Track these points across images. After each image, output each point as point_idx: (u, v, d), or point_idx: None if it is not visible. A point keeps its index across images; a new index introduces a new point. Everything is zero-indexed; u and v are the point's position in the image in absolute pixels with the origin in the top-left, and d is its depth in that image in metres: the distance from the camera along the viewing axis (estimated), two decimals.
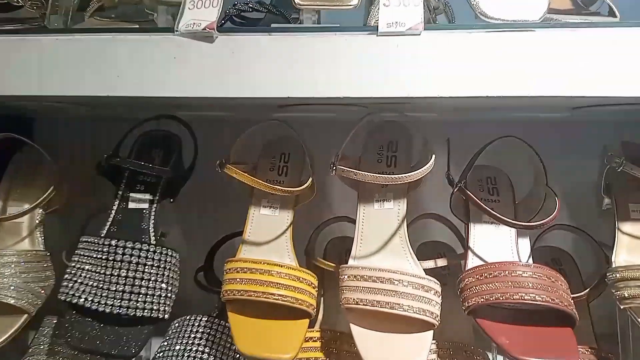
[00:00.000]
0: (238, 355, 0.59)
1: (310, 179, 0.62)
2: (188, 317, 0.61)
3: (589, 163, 0.68)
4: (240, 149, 0.63)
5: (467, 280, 0.53)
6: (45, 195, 0.63)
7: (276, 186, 0.58)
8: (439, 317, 0.52)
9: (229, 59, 0.51)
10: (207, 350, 0.58)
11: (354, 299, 0.53)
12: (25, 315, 0.58)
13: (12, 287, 0.57)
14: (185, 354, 0.57)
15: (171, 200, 0.66)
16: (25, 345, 0.66)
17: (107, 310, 0.53)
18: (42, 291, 0.60)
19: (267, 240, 0.62)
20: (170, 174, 0.64)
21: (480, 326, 0.51)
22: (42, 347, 0.63)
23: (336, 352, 0.58)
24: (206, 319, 0.60)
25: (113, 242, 0.56)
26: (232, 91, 0.51)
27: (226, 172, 0.59)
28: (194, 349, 0.57)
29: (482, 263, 0.56)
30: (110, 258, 0.55)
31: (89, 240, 0.57)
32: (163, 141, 0.69)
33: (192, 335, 0.59)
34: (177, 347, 0.58)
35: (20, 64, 0.53)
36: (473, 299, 0.51)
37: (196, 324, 0.60)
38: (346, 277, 0.55)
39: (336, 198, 0.78)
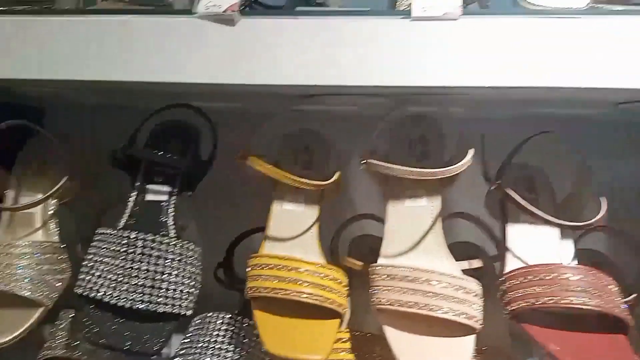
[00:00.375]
0: (262, 355, 0.56)
1: (338, 173, 0.59)
2: (209, 314, 0.58)
3: (627, 163, 0.65)
4: (260, 142, 0.60)
5: (509, 282, 0.50)
6: (59, 185, 0.60)
7: (304, 180, 0.55)
8: (481, 321, 0.49)
9: (251, 44, 0.48)
10: (230, 348, 0.55)
11: (387, 300, 0.50)
12: (42, 309, 0.55)
13: (27, 279, 0.54)
14: (208, 352, 0.54)
15: (189, 193, 0.63)
16: (41, 339, 0.63)
17: (127, 305, 0.50)
18: (59, 284, 0.57)
19: (292, 237, 0.59)
20: (191, 165, 0.61)
21: (526, 332, 0.48)
22: (58, 341, 0.60)
23: (366, 355, 0.55)
24: (229, 316, 0.58)
25: (132, 235, 0.53)
26: (254, 78, 0.48)
27: (249, 164, 0.56)
28: (217, 347, 0.55)
29: (522, 265, 0.53)
30: (130, 251, 0.52)
31: (107, 232, 0.54)
32: (180, 132, 0.66)
33: (215, 333, 0.56)
34: (200, 345, 0.55)
35: (29, 46, 0.50)
36: (517, 303, 0.48)
37: (218, 322, 0.57)
38: (378, 276, 0.52)
39: (357, 195, 0.75)
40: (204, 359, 0.55)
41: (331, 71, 0.47)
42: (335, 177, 0.58)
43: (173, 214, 0.59)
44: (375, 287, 0.52)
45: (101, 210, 0.69)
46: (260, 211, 0.76)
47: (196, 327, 0.58)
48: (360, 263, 0.61)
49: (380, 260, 0.55)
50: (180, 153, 0.64)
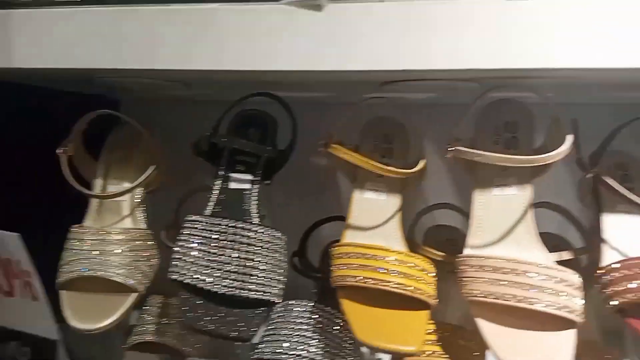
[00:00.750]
0: (345, 344, 0.56)
1: (423, 161, 0.58)
2: (291, 302, 0.58)
3: None
4: (340, 130, 0.59)
5: (611, 275, 0.48)
6: (148, 173, 0.62)
7: (390, 167, 0.55)
8: (583, 315, 0.47)
9: (339, 30, 0.47)
10: (315, 336, 0.55)
11: (481, 292, 0.49)
12: (135, 295, 0.57)
13: (120, 265, 0.56)
14: (293, 339, 0.55)
15: (267, 182, 0.64)
16: (127, 325, 0.65)
17: (221, 292, 0.51)
18: (150, 271, 0.59)
19: (374, 226, 0.59)
20: (275, 153, 0.61)
21: (632, 326, 0.45)
22: (147, 327, 0.62)
23: (451, 346, 0.54)
24: (312, 304, 0.58)
25: (224, 222, 0.53)
26: (342, 65, 0.47)
27: (333, 152, 0.55)
28: (301, 334, 0.55)
29: (620, 257, 0.50)
30: (222, 238, 0.53)
31: (197, 219, 0.55)
32: (259, 121, 0.67)
33: (298, 320, 0.56)
34: (284, 332, 0.55)
35: (120, 36, 0.50)
36: (623, 297, 0.46)
37: (301, 309, 0.57)
38: (469, 267, 0.51)
39: (429, 184, 0.74)
40: (288, 346, 0.55)
41: (423, 56, 0.46)
42: (420, 165, 0.57)
43: (257, 202, 0.59)
44: (467, 279, 0.50)
45: (182, 198, 0.70)
46: (332, 200, 0.76)
47: (279, 314, 0.58)
48: (440, 253, 0.60)
49: (467, 251, 0.54)
50: (259, 142, 0.64)
